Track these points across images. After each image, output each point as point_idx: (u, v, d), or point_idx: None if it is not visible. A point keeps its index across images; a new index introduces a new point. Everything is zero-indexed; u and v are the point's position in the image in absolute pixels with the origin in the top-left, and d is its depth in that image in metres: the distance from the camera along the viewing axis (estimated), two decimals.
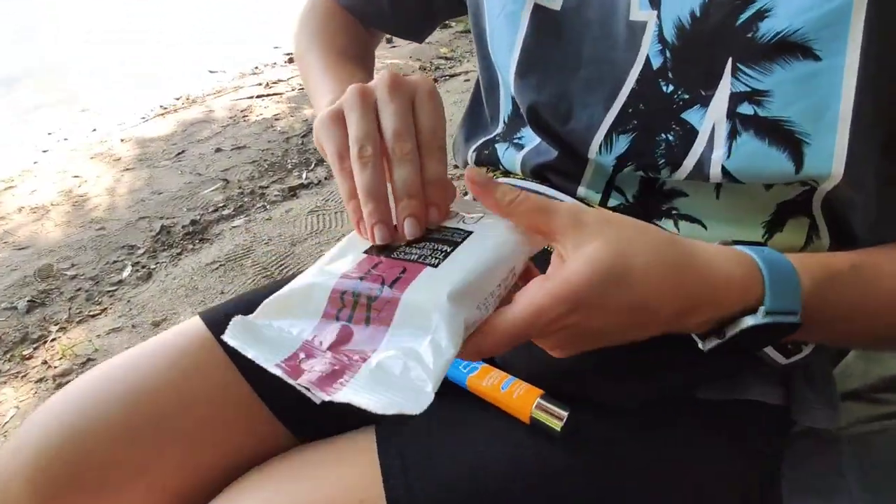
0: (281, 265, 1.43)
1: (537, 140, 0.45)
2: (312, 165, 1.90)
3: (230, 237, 1.56)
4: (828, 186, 0.34)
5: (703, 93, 0.36)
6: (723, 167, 0.35)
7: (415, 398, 0.23)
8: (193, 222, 1.64)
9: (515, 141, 0.47)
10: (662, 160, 0.38)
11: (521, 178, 0.47)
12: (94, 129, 2.36)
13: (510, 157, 0.47)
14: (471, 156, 0.51)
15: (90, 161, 2.05)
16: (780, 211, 0.38)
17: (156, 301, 1.35)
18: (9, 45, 3.13)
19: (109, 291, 1.41)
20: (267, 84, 2.65)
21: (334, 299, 0.27)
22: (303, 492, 0.37)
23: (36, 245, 1.60)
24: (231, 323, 0.27)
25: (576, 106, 0.41)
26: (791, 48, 0.32)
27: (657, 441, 0.40)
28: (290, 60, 2.92)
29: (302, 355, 0.26)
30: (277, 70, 2.88)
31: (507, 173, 0.48)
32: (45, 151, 2.19)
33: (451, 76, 2.62)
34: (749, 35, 0.33)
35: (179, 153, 2.05)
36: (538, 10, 0.41)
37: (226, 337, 0.27)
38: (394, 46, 3.02)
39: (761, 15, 0.33)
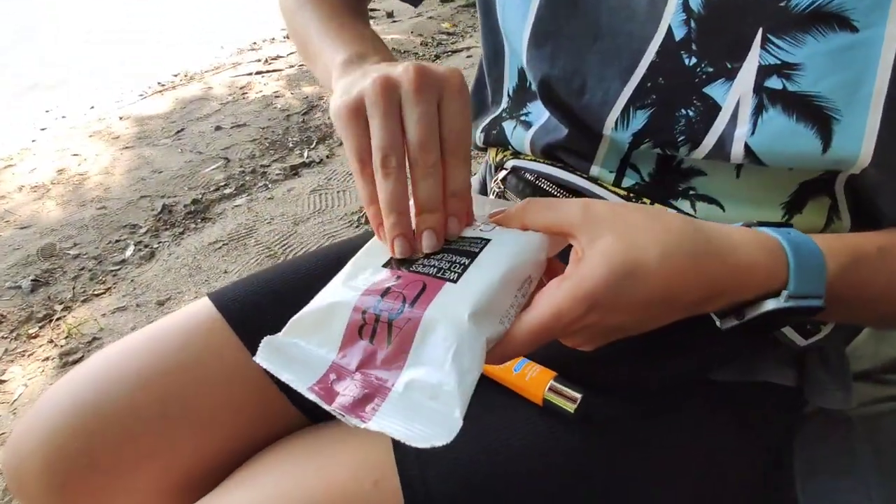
0: (284, 244, 1.43)
1: (545, 116, 0.44)
2: (314, 144, 1.88)
3: (232, 216, 1.55)
4: (855, 171, 0.33)
5: (729, 66, 0.34)
6: (746, 145, 0.34)
7: (444, 426, 0.24)
8: (195, 201, 1.62)
9: (522, 118, 0.46)
10: (681, 137, 0.37)
11: (531, 160, 0.46)
12: (92, 107, 2.33)
13: (519, 137, 0.46)
14: (479, 136, 0.50)
15: (89, 139, 2.03)
16: (801, 191, 0.37)
17: (160, 280, 1.35)
18: (8, 45, 3.07)
19: (113, 271, 1.40)
20: (266, 60, 2.60)
21: (356, 318, 0.28)
22: (316, 472, 0.37)
23: (37, 224, 1.59)
24: (262, 344, 0.28)
25: (590, 80, 0.40)
26: (826, 18, 0.30)
27: (670, 423, 0.40)
28: (289, 36, 2.86)
29: (333, 376, 0.27)
30: (276, 46, 2.82)
31: (516, 154, 0.47)
32: (43, 129, 2.16)
33: (454, 52, 2.57)
34: (782, 4, 0.32)
35: (179, 131, 2.02)
36: None
37: (258, 359, 0.27)
38: (395, 21, 2.95)
39: None
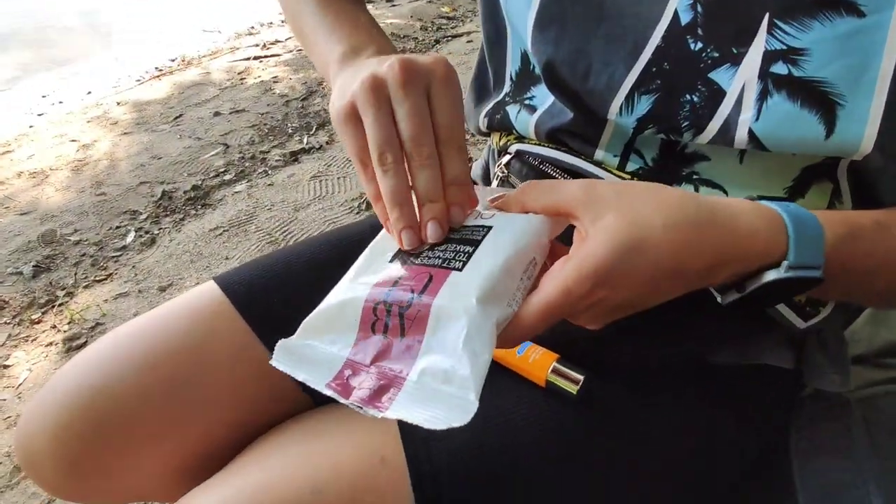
0: (285, 231, 1.43)
1: (550, 100, 0.44)
2: (313, 130, 1.87)
3: (232, 203, 1.55)
4: (857, 158, 0.34)
5: (735, 51, 0.34)
6: (750, 130, 0.34)
7: (460, 409, 0.24)
8: (195, 187, 1.62)
9: (526, 102, 0.46)
10: (686, 122, 0.37)
11: (535, 143, 0.46)
12: (90, 93, 2.31)
13: (523, 121, 0.46)
14: (482, 121, 0.50)
15: (87, 125, 2.01)
16: (804, 176, 0.37)
17: (161, 266, 1.35)
18: (7, 33, 3.02)
19: (114, 257, 1.41)
20: (264, 45, 2.57)
21: (367, 313, 0.28)
22: (323, 451, 0.38)
23: (37, 210, 1.59)
24: (276, 347, 0.29)
25: (596, 63, 0.39)
26: (834, 3, 0.30)
27: (670, 404, 0.40)
28: (285, 20, 2.83)
29: (348, 372, 0.27)
30: (275, 30, 2.79)
31: (520, 138, 0.47)
32: (40, 115, 2.15)
33: (454, 37, 2.55)
34: None
35: (177, 117, 2.01)
36: None
37: (273, 362, 0.28)
38: (394, 5, 2.92)
39: None
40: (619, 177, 0.41)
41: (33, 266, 1.38)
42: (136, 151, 1.83)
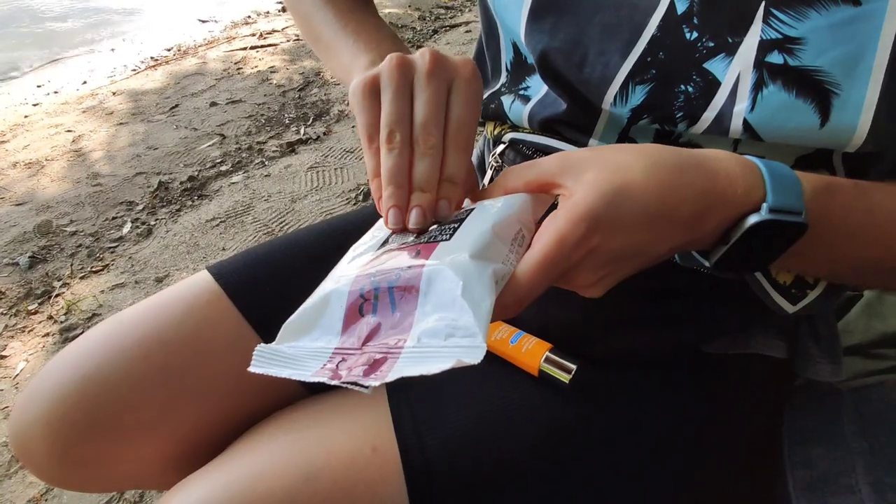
0: (282, 222, 1.43)
1: (544, 90, 0.44)
2: (311, 120, 1.86)
3: (229, 194, 1.55)
4: (849, 150, 0.33)
5: (730, 40, 0.34)
6: (744, 120, 0.34)
7: (468, 355, 0.23)
8: (191, 178, 1.61)
9: (521, 92, 0.46)
10: (680, 113, 0.37)
11: (529, 133, 0.46)
12: (85, 82, 2.29)
13: (517, 111, 0.46)
14: None
15: (82, 115, 2.00)
16: (798, 165, 0.37)
17: (157, 257, 1.35)
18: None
19: (110, 248, 1.40)
20: (261, 35, 2.55)
21: (354, 299, 0.27)
22: (316, 439, 0.38)
23: (33, 201, 1.58)
24: (255, 353, 0.27)
25: (590, 53, 0.39)
26: None
27: (663, 393, 0.40)
28: (284, 9, 2.81)
29: (338, 359, 0.26)
30: (271, 20, 2.77)
31: (514, 127, 0.47)
32: (35, 105, 2.13)
33: (452, 27, 2.53)
34: None
35: (173, 107, 2.00)
36: None
37: (252, 369, 0.27)
38: None
39: None
40: None
41: (29, 257, 1.37)
42: (132, 142, 1.82)
